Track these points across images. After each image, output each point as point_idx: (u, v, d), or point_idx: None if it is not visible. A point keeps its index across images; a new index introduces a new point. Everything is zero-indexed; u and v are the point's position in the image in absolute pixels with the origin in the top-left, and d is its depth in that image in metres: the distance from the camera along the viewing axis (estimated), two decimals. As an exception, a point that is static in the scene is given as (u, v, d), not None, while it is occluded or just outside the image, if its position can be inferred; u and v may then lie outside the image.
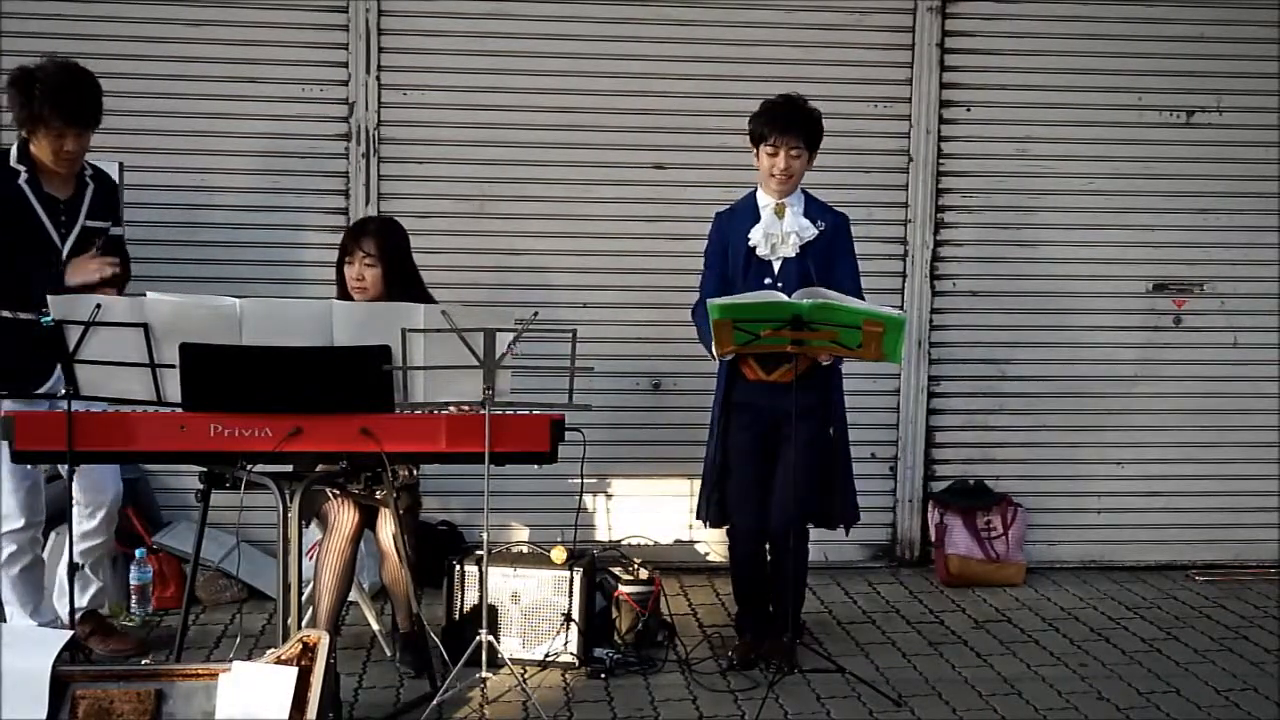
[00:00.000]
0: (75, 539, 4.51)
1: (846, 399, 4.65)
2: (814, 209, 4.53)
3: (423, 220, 5.38)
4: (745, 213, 4.55)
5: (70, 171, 4.23)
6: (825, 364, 4.39)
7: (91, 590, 4.58)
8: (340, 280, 4.47)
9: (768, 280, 4.46)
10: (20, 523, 4.35)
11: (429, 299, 4.38)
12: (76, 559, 4.52)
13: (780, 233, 4.46)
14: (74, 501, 4.55)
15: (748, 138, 4.52)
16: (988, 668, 4.63)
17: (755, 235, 4.48)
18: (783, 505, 4.43)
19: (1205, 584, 5.73)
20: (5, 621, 4.44)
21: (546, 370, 4.02)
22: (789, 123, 4.42)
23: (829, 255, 4.49)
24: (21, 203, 4.14)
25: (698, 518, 4.76)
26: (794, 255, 4.46)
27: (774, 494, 4.49)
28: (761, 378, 4.43)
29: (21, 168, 4.15)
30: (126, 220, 4.66)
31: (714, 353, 4.35)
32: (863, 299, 4.48)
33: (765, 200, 4.52)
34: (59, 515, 4.65)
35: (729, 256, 4.54)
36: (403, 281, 4.41)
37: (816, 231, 4.47)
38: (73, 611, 4.08)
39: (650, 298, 5.60)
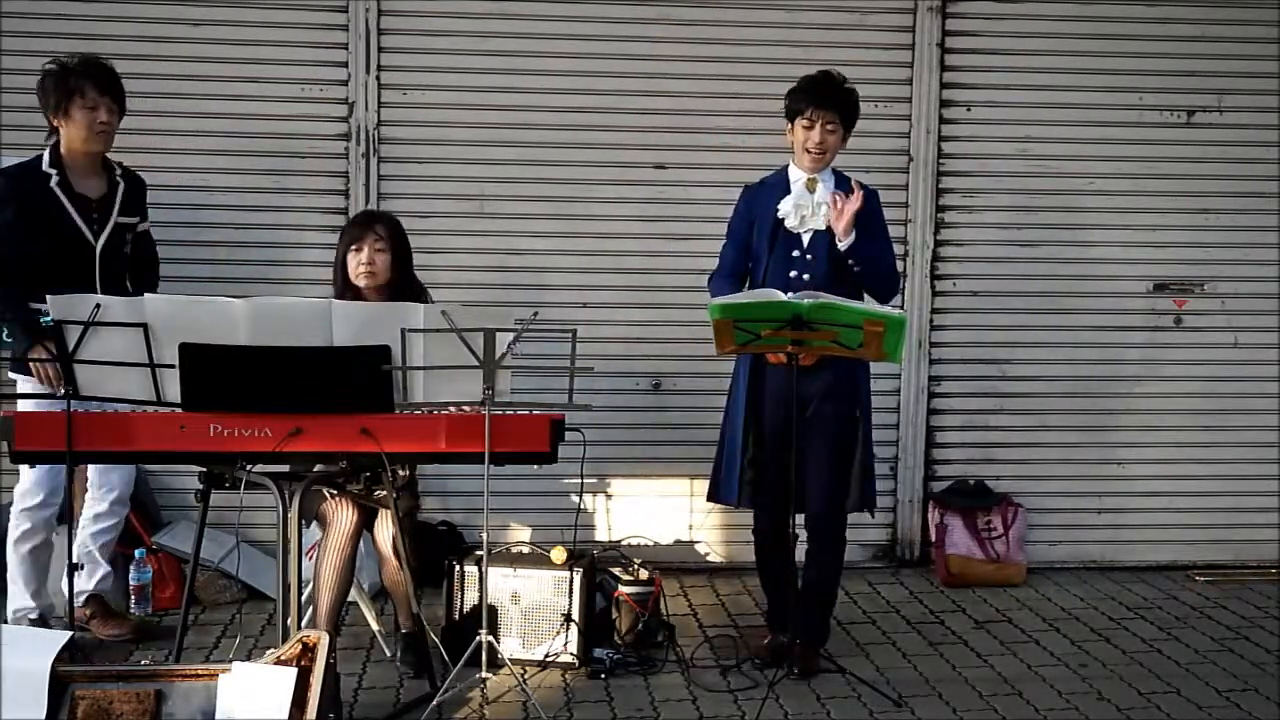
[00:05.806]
0: (87, 523, 4.63)
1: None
2: (844, 186, 4.46)
3: (423, 220, 5.38)
4: (775, 186, 4.49)
5: (104, 148, 4.41)
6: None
7: (100, 574, 4.63)
8: (341, 272, 4.44)
9: (796, 253, 4.41)
10: (38, 499, 4.42)
11: (424, 293, 4.42)
12: (83, 551, 4.57)
13: (811, 205, 4.40)
14: (86, 486, 4.61)
15: (783, 114, 4.46)
16: (988, 668, 4.63)
17: (785, 207, 4.41)
18: (819, 490, 4.38)
19: (1206, 584, 5.72)
20: (4, 596, 4.51)
21: (546, 370, 4.02)
22: (825, 97, 4.39)
23: (859, 227, 4.37)
24: (54, 205, 4.32)
25: (722, 501, 4.57)
26: (824, 228, 4.39)
27: (807, 479, 4.39)
28: (784, 361, 4.29)
29: (53, 171, 4.34)
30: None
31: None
32: (894, 261, 4.50)
33: (797, 175, 4.47)
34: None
35: (754, 229, 4.48)
36: (405, 273, 4.43)
37: None
38: (72, 607, 4.06)
39: (650, 298, 5.60)
